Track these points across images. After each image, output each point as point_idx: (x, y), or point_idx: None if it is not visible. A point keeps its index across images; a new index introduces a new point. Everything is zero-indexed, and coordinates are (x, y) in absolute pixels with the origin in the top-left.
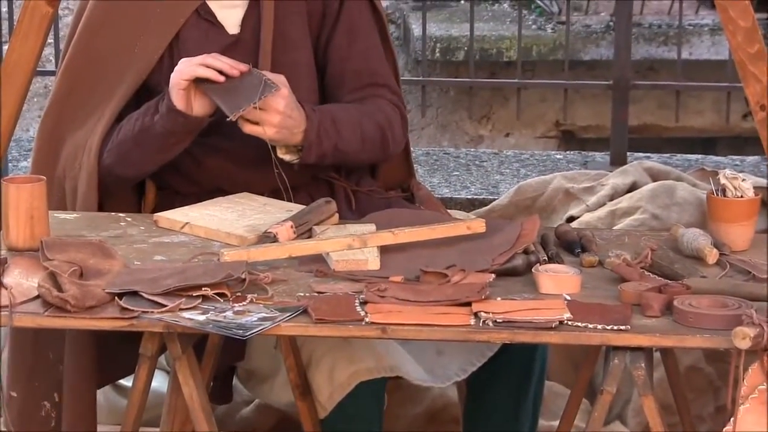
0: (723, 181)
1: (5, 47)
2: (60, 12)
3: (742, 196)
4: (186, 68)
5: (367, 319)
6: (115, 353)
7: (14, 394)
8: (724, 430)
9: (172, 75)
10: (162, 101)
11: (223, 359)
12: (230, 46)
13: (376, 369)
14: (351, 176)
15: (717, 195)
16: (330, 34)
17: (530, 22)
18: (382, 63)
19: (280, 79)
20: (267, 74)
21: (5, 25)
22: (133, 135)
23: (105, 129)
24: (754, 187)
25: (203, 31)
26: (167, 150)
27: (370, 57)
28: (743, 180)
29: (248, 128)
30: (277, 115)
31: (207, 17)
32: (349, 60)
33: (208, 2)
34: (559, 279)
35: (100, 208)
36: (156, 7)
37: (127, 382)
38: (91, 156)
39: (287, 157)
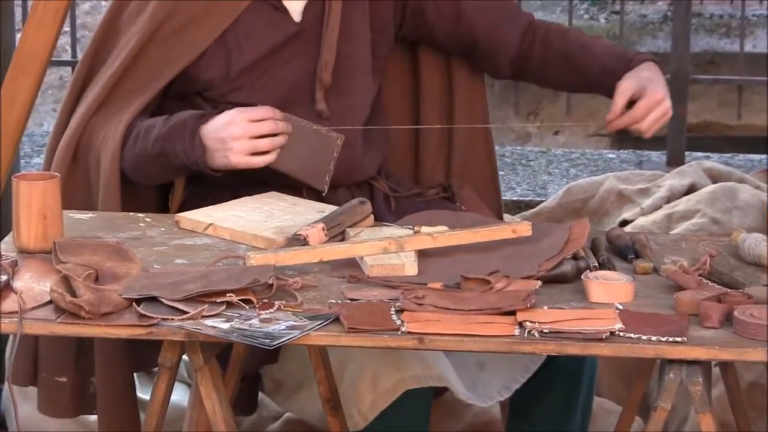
0: None
1: (18, 35)
2: None
3: None
4: (243, 159)
5: (403, 329)
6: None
7: (63, 379)
8: None
9: (234, 154)
10: (191, 136)
11: (253, 362)
12: (294, 36)
13: (424, 378)
14: (390, 177)
15: None
16: (456, 16)
17: (582, 11)
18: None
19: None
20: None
21: (18, 11)
22: (153, 155)
23: (131, 117)
24: None
25: (266, 17)
26: (186, 172)
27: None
28: None
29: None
30: (666, 101)
31: (272, 2)
32: (491, 12)
33: None
34: (610, 287)
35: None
36: None
37: (144, 395)
38: (116, 141)
39: None
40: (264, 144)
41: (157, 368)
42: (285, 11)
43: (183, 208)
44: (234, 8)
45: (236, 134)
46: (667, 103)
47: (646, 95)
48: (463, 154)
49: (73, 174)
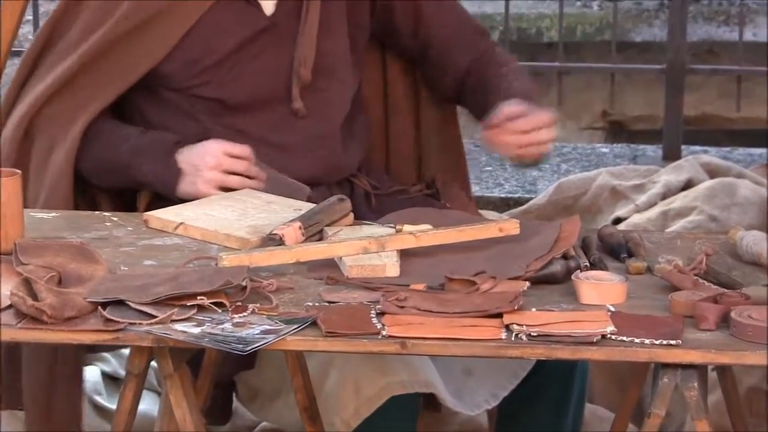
0: None
1: None
2: None
3: None
4: (216, 177)
5: (384, 333)
6: None
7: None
8: None
9: (203, 182)
10: (166, 157)
11: (226, 369)
12: (264, 30)
13: (411, 383)
14: (371, 174)
15: None
16: (416, 17)
17: None
18: (465, 11)
19: None
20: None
21: None
22: (119, 165)
23: (91, 116)
24: None
25: (236, 11)
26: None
27: (462, 12)
28: None
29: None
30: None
31: None
32: (447, 27)
33: None
34: (602, 288)
35: (77, 199)
36: None
37: (111, 404)
38: (74, 139)
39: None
40: (233, 181)
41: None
42: (257, 5)
43: (151, 206)
44: (200, 5)
45: (210, 164)
46: (550, 134)
47: (535, 115)
48: (433, 152)
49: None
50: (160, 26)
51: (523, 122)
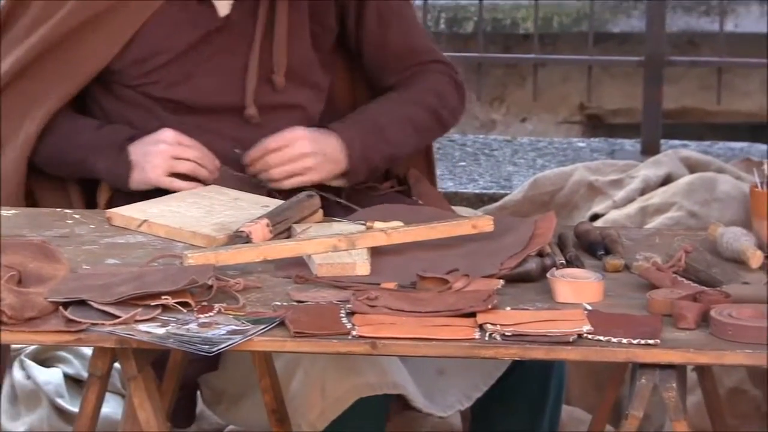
0: None
1: None
2: None
3: None
4: (160, 176)
5: (354, 333)
6: None
7: None
8: None
9: (151, 168)
10: (118, 152)
11: (191, 370)
12: (217, 31)
13: (379, 385)
14: None
15: (762, 188)
16: (358, 21)
17: None
18: (420, 36)
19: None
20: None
21: None
22: (73, 161)
23: (47, 115)
24: None
25: (188, 12)
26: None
27: (409, 36)
28: None
29: (290, 183)
30: (309, 158)
31: None
32: (386, 46)
33: None
34: (578, 286)
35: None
36: None
37: (73, 407)
38: (28, 136)
39: (335, 183)
40: (184, 167)
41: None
42: (210, 5)
43: (113, 203)
44: (149, 4)
45: (160, 149)
46: (307, 163)
47: (292, 147)
48: None
49: None
50: (109, 24)
51: (278, 156)
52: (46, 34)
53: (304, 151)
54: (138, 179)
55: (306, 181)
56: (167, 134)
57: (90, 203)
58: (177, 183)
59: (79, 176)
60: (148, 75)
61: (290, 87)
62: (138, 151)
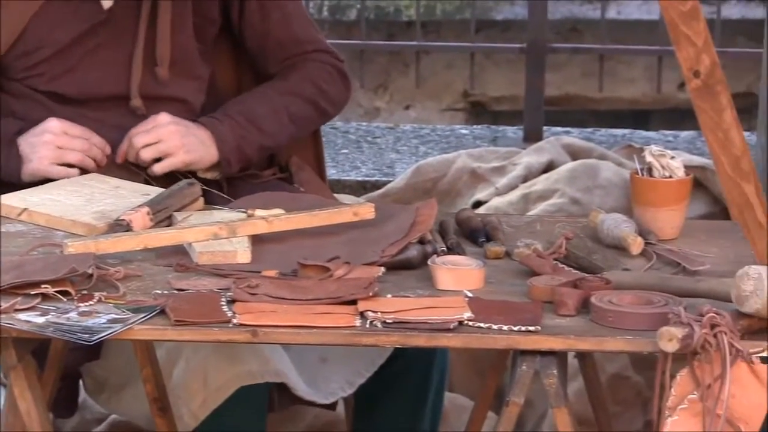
0: (648, 158)
1: None
2: None
3: (670, 176)
4: (45, 166)
5: (234, 321)
6: None
7: None
8: None
9: (38, 158)
10: (8, 146)
11: (73, 359)
12: (101, 24)
13: (260, 373)
14: None
15: (642, 175)
16: (241, 12)
17: None
18: (303, 26)
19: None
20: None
21: None
22: None
23: None
24: (686, 166)
25: (72, 5)
26: None
27: (291, 26)
28: (672, 158)
29: (160, 168)
30: (176, 137)
31: None
32: (268, 36)
33: None
34: (458, 273)
35: None
36: None
37: None
38: None
39: (209, 175)
40: (70, 156)
41: None
42: None
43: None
44: (32, 4)
45: (46, 139)
46: (174, 141)
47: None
48: None
49: None
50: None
51: (142, 136)
52: None
53: (170, 129)
54: (28, 171)
55: (177, 163)
56: (52, 124)
57: None
58: (65, 172)
59: None
60: (33, 68)
61: (174, 79)
62: (25, 143)
